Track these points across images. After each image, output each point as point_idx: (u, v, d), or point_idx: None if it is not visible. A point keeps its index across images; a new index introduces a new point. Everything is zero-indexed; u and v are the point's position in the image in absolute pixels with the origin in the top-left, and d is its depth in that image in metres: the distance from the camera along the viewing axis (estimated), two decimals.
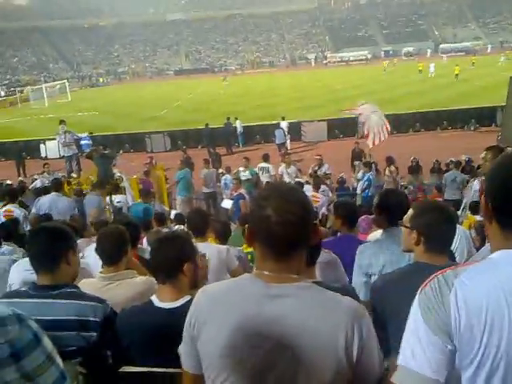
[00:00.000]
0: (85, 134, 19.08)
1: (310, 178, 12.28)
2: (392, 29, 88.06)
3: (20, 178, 16.73)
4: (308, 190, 10.59)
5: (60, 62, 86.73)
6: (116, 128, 27.82)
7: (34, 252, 2.45)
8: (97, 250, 3.08)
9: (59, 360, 1.22)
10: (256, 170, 12.98)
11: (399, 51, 73.23)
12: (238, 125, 23.81)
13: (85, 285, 2.72)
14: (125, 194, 10.47)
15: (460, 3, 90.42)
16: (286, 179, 11.98)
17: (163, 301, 2.37)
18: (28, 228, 6.70)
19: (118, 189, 10.49)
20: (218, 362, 1.49)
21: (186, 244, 2.46)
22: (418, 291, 1.37)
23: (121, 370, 2.31)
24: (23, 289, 2.50)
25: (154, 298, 2.41)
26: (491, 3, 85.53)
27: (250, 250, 4.42)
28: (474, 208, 6.56)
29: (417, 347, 1.33)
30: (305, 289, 1.49)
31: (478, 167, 11.35)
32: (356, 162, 15.23)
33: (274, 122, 23.33)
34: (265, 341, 1.44)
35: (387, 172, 12.87)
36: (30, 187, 12.48)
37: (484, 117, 23.74)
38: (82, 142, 17.89)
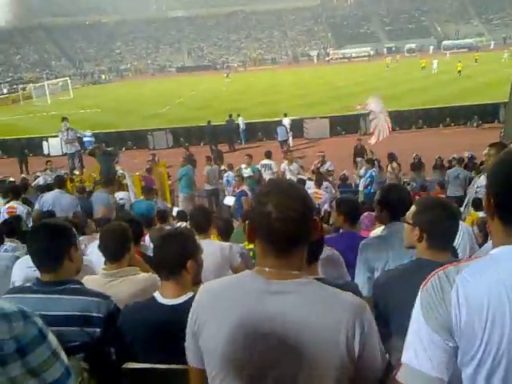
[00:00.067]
0: (87, 132, 19.14)
1: (313, 175, 12.28)
2: (394, 25, 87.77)
3: (23, 175, 16.78)
4: (310, 186, 10.60)
5: (62, 60, 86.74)
6: (118, 125, 27.83)
7: (34, 250, 2.45)
8: (100, 246, 3.09)
9: (64, 356, 1.23)
10: (258, 166, 12.98)
11: (402, 48, 72.97)
12: (241, 122, 23.80)
13: (88, 281, 2.73)
14: (127, 191, 10.48)
15: None
16: (288, 176, 11.98)
17: (166, 297, 2.38)
18: (31, 225, 6.72)
19: (120, 186, 10.51)
20: (219, 358, 1.50)
21: (189, 241, 2.46)
22: (420, 289, 1.38)
23: (124, 366, 2.32)
24: (27, 284, 2.51)
25: (156, 295, 2.42)
26: None
27: (252, 246, 4.43)
28: (477, 204, 6.55)
29: (418, 346, 1.34)
30: (306, 285, 1.49)
31: (481, 164, 11.34)
32: (358, 159, 15.21)
33: (276, 118, 23.29)
34: (266, 337, 1.44)
35: (389, 169, 12.85)
36: (32, 184, 12.51)
37: (487, 113, 23.68)
38: (85, 140, 17.96)
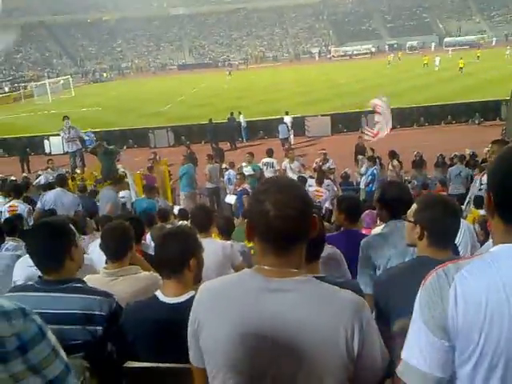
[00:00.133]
0: (88, 132, 19.17)
1: (315, 173, 12.27)
2: (396, 22, 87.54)
3: (24, 174, 16.82)
4: (312, 184, 10.60)
5: (63, 58, 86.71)
6: (119, 123, 27.84)
7: (34, 250, 2.44)
8: (101, 245, 3.09)
9: (63, 353, 1.24)
10: (259, 165, 12.98)
11: (403, 45, 72.76)
12: (242, 120, 23.79)
13: (89, 281, 2.73)
14: (129, 189, 10.49)
15: None
16: (290, 174, 11.97)
17: (168, 296, 2.38)
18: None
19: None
20: (219, 357, 1.50)
21: (191, 239, 2.46)
22: (420, 287, 1.38)
23: (125, 365, 2.32)
24: (30, 283, 2.51)
25: (158, 293, 2.42)
26: None
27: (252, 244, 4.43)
28: (479, 202, 6.54)
29: (416, 344, 1.35)
30: (305, 283, 1.49)
31: (483, 161, 11.32)
32: (360, 157, 15.20)
33: (277, 116, 23.29)
34: (265, 336, 1.44)
35: (390, 166, 12.84)
36: (34, 183, 12.52)
37: (488, 110, 23.65)
38: (86, 138, 17.95)
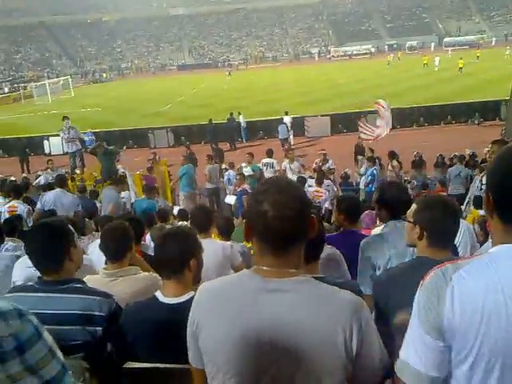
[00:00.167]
0: (87, 132, 19.17)
1: (314, 173, 12.27)
2: (396, 22, 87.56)
3: (24, 175, 16.81)
4: (312, 184, 10.61)
5: (63, 58, 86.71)
6: (119, 124, 27.84)
7: (33, 251, 2.43)
8: (101, 246, 3.09)
9: (59, 353, 1.24)
10: (259, 165, 12.98)
11: (403, 45, 72.80)
12: (242, 120, 23.79)
13: (89, 281, 2.72)
14: (128, 190, 10.48)
15: None
16: (290, 174, 11.97)
17: (167, 296, 2.38)
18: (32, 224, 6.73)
19: None
20: (218, 358, 1.50)
21: (191, 239, 2.46)
22: (419, 287, 1.39)
23: (125, 365, 2.32)
24: (29, 283, 2.51)
25: (158, 294, 2.42)
26: None
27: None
28: (478, 202, 6.54)
29: (412, 343, 1.37)
30: (303, 283, 1.49)
31: (482, 161, 11.32)
32: (359, 157, 15.20)
33: (277, 117, 23.29)
34: (263, 336, 1.44)
35: (390, 167, 12.84)
36: (33, 184, 12.51)
37: (488, 111, 23.66)
38: (86, 138, 17.96)
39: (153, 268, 3.09)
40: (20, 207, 7.35)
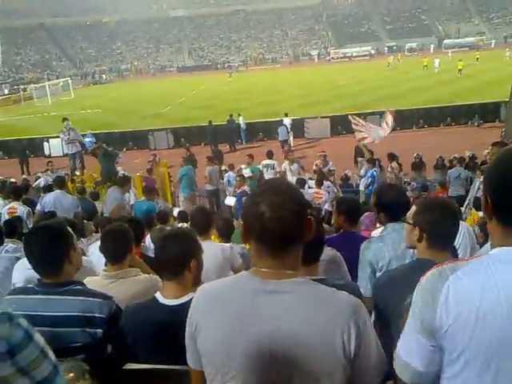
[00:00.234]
0: (87, 133, 19.17)
1: (315, 175, 12.26)
2: (395, 24, 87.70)
3: (24, 176, 16.80)
4: (312, 186, 10.60)
5: (63, 60, 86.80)
6: (119, 125, 27.84)
7: (32, 254, 2.41)
8: (101, 248, 3.09)
9: (52, 355, 1.26)
10: (258, 167, 12.97)
11: (402, 47, 72.89)
12: (241, 122, 23.80)
13: (89, 283, 2.72)
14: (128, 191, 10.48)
15: None
16: (289, 176, 11.97)
17: (167, 297, 2.38)
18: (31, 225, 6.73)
19: None
20: (216, 359, 1.50)
21: (191, 240, 2.46)
22: (416, 286, 1.42)
23: (125, 367, 2.32)
24: (30, 285, 2.50)
25: (158, 295, 2.42)
26: None
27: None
28: (478, 204, 6.54)
29: (405, 340, 1.44)
30: (301, 284, 1.49)
31: (482, 163, 11.32)
32: (359, 159, 15.19)
33: (277, 118, 23.29)
34: (261, 337, 1.44)
35: (389, 168, 12.85)
36: (33, 185, 12.52)
37: (488, 112, 23.66)
38: (86, 140, 17.95)
39: (153, 269, 3.09)
40: (20, 209, 7.36)
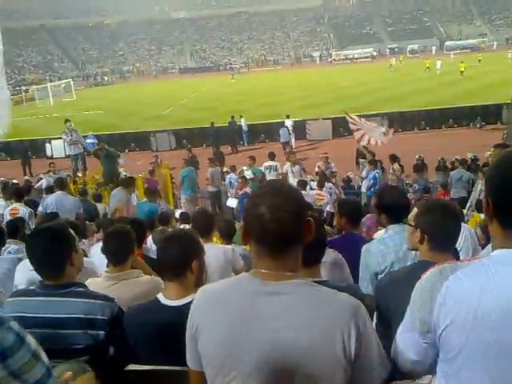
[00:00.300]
0: (89, 135, 19.18)
1: (316, 176, 12.26)
2: (397, 26, 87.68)
3: (26, 177, 16.81)
4: (314, 187, 10.61)
5: (65, 61, 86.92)
6: (121, 127, 27.87)
7: (34, 256, 2.41)
8: (103, 249, 3.09)
9: (45, 357, 1.26)
10: (260, 168, 12.98)
11: (404, 48, 72.83)
12: (243, 123, 23.81)
13: (91, 284, 2.73)
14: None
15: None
16: (291, 178, 11.98)
17: (170, 298, 2.38)
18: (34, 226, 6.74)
19: None
20: (216, 360, 1.51)
21: (193, 241, 2.46)
22: (416, 284, 1.45)
23: (127, 368, 2.32)
24: (31, 287, 2.50)
25: (160, 296, 2.42)
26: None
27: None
28: (480, 206, 6.53)
29: (401, 333, 1.50)
30: (301, 286, 1.49)
31: (484, 165, 11.32)
32: (361, 160, 15.18)
33: (278, 120, 23.31)
34: (261, 339, 1.45)
35: (391, 170, 12.84)
36: (35, 186, 12.53)
37: (490, 114, 23.64)
38: (88, 141, 17.96)
39: (155, 271, 3.09)
40: (22, 210, 7.37)
